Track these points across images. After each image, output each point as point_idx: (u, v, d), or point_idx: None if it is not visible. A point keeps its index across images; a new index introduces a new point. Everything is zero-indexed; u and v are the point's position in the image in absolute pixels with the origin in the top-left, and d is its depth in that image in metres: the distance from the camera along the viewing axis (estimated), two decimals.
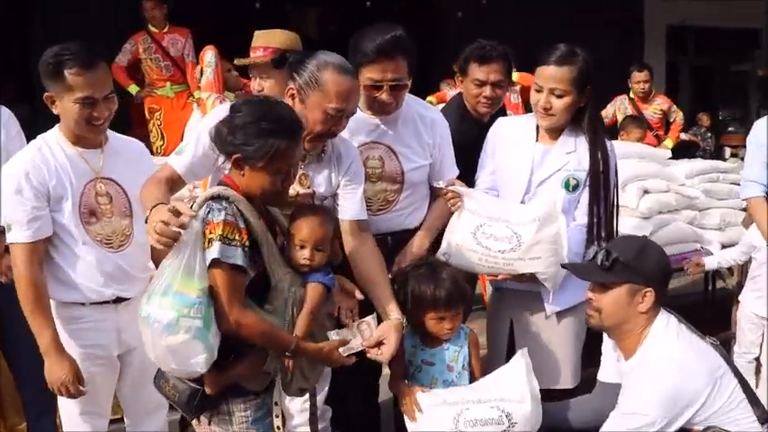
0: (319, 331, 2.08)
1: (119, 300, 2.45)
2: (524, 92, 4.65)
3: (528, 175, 2.61)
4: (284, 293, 2.00)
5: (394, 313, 2.26)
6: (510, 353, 2.56)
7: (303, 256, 2.06)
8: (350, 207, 2.44)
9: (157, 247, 1.99)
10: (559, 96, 2.51)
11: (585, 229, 2.60)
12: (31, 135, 2.85)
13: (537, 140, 2.64)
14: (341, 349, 2.09)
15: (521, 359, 2.32)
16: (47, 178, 2.33)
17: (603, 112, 6.32)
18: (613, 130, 5.92)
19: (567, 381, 2.67)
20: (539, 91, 2.54)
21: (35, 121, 2.62)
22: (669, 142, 6.48)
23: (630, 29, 10.36)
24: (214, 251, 1.87)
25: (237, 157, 1.96)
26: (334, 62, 2.26)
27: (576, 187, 2.59)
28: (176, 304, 1.85)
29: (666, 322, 2.25)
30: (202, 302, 1.87)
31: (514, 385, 2.26)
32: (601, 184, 2.58)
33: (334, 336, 2.09)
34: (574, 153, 2.59)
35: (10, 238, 2.32)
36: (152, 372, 2.51)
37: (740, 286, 3.79)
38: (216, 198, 1.93)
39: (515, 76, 4.77)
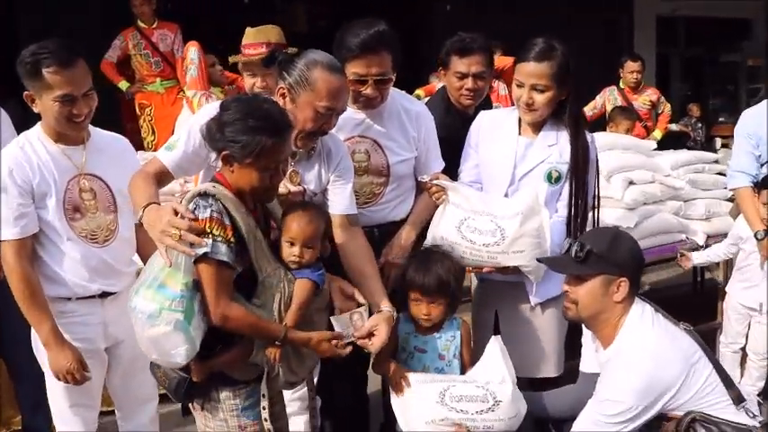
0: (308, 327, 2.10)
1: (105, 294, 2.47)
2: (507, 75, 4.66)
3: (511, 168, 2.63)
4: (272, 289, 2.03)
5: (385, 306, 2.30)
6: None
7: (293, 253, 2.09)
8: (339, 202, 2.47)
9: (163, 247, 1.97)
10: (541, 91, 2.54)
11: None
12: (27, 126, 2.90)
13: (519, 134, 2.67)
14: (339, 339, 2.13)
15: (495, 344, 2.36)
16: (30, 176, 2.34)
17: (592, 103, 6.36)
18: (602, 121, 5.96)
19: (550, 370, 2.71)
20: (520, 86, 2.56)
21: (27, 119, 2.62)
22: (658, 133, 6.52)
23: (620, 20, 10.40)
24: (201, 247, 1.93)
25: (226, 154, 2.00)
26: (323, 61, 2.28)
27: (558, 179, 2.62)
28: (159, 297, 1.94)
29: (641, 311, 2.30)
30: (185, 296, 1.94)
31: (494, 369, 2.30)
32: (581, 176, 2.61)
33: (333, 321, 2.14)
34: (555, 146, 2.62)
35: None
36: (141, 364, 2.55)
37: (726, 277, 3.84)
38: (203, 195, 1.98)
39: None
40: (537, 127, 2.65)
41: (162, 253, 1.95)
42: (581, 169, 2.60)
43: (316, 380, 2.81)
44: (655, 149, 6.17)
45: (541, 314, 2.69)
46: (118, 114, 6.20)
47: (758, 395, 3.52)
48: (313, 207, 2.24)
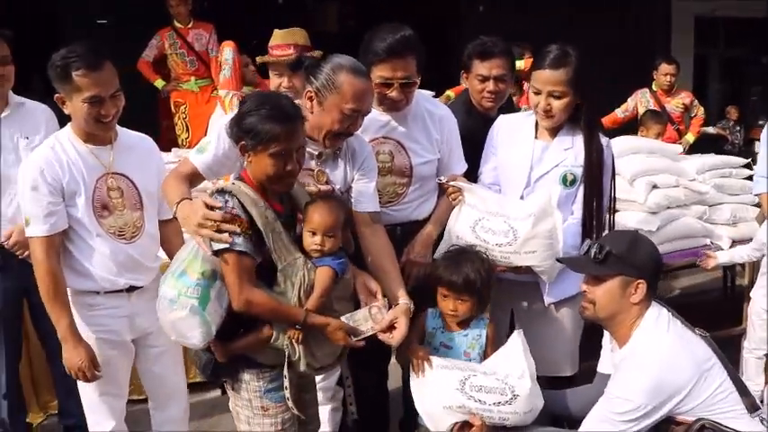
0: (329, 314, 2.19)
1: (131, 288, 2.57)
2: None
3: (527, 171, 2.69)
4: (292, 277, 2.13)
5: (402, 299, 2.37)
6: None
7: (314, 242, 2.19)
8: (364, 200, 2.55)
9: (198, 238, 2.13)
10: (558, 98, 2.59)
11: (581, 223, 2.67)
12: (63, 126, 3.02)
13: (536, 137, 2.72)
14: (353, 333, 2.20)
15: (516, 338, 2.40)
16: (60, 175, 2.44)
17: (624, 106, 6.30)
18: (634, 124, 5.91)
19: (565, 368, 2.76)
20: (537, 93, 2.61)
21: (65, 114, 2.75)
22: (690, 137, 6.44)
23: (657, 20, 10.24)
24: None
25: (242, 144, 2.14)
26: (348, 65, 2.36)
27: (573, 182, 2.66)
28: (179, 284, 2.13)
29: (657, 314, 2.32)
30: (200, 284, 2.12)
31: (514, 363, 2.34)
32: (595, 179, 2.64)
33: (344, 319, 2.19)
34: (571, 149, 2.66)
35: (28, 231, 2.46)
36: (171, 355, 2.72)
37: (752, 283, 3.80)
38: (220, 192, 2.13)
39: (520, 63, 4.84)
40: (553, 131, 2.69)
41: (199, 242, 2.11)
42: (595, 172, 2.63)
43: (339, 370, 2.89)
44: (685, 153, 6.21)
45: (556, 314, 2.73)
46: (155, 112, 6.35)
47: None
48: (334, 199, 2.33)
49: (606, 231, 2.73)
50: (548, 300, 2.71)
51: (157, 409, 2.83)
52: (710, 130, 9.25)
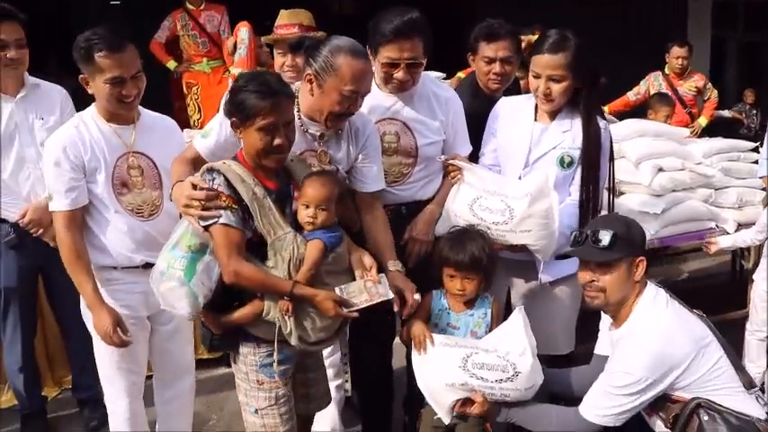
0: (320, 288, 2.21)
1: (148, 265, 2.56)
2: None
3: (526, 152, 2.72)
4: (282, 251, 2.18)
5: (392, 264, 2.47)
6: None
7: (307, 214, 2.24)
8: (367, 180, 2.62)
9: (188, 217, 2.22)
10: (557, 81, 2.61)
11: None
12: (77, 107, 3.07)
13: (536, 119, 2.75)
14: (345, 304, 2.20)
15: (518, 315, 2.44)
16: (82, 152, 2.52)
17: (636, 88, 6.27)
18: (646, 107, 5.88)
19: (561, 346, 2.80)
20: (537, 77, 2.64)
21: (81, 94, 2.81)
22: (703, 120, 6.40)
23: (673, 3, 10.11)
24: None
25: (233, 121, 2.21)
26: (346, 46, 2.39)
27: (570, 164, 2.69)
28: (169, 256, 2.23)
29: (655, 293, 2.36)
30: (185, 257, 2.22)
31: (516, 340, 2.38)
32: (593, 161, 2.67)
33: (338, 291, 2.21)
34: (569, 132, 2.69)
35: (52, 206, 2.55)
36: (182, 333, 2.80)
37: (756, 266, 3.81)
38: (209, 170, 2.21)
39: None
40: (552, 114, 2.72)
41: (190, 220, 2.20)
42: (592, 155, 2.66)
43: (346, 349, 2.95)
44: (698, 136, 6.17)
45: (552, 292, 2.77)
46: (167, 93, 6.40)
47: None
48: (327, 173, 2.35)
49: (604, 213, 2.75)
50: (543, 278, 2.74)
51: (164, 386, 2.88)
52: (726, 113, 9.16)
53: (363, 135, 2.61)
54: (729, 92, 10.73)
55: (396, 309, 2.36)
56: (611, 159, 2.79)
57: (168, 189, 2.54)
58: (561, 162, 2.68)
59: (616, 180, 3.62)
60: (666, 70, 6.34)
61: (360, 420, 3.25)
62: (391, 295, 2.26)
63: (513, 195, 2.56)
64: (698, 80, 6.42)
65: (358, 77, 2.38)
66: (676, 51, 6.23)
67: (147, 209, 2.62)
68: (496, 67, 3.07)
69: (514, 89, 3.28)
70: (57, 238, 2.58)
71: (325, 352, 2.73)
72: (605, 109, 5.71)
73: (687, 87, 6.35)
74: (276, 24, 3.52)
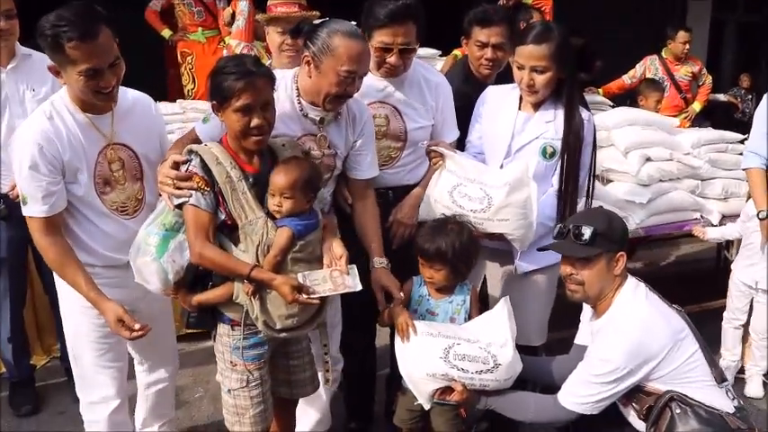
0: (286, 273, 2.21)
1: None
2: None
3: (508, 141, 2.74)
4: (252, 235, 2.20)
5: (378, 260, 2.53)
6: (483, 308, 2.69)
7: (273, 203, 2.25)
8: (361, 167, 2.66)
9: (164, 194, 2.26)
10: (541, 72, 2.62)
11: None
12: None
13: (519, 109, 2.76)
14: (305, 291, 2.18)
15: (503, 306, 2.48)
16: (60, 152, 2.25)
17: (632, 72, 6.25)
18: None
19: (534, 338, 2.84)
20: (521, 68, 2.65)
21: None
22: (697, 105, 6.42)
23: None
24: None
25: (213, 104, 2.24)
26: (343, 29, 2.40)
27: (552, 155, 2.71)
28: (144, 233, 2.29)
29: (635, 286, 2.41)
30: (158, 234, 2.26)
31: (498, 331, 2.42)
32: (573, 152, 2.68)
33: (300, 277, 2.20)
34: (552, 122, 2.71)
35: (26, 211, 2.30)
36: (161, 322, 2.66)
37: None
38: (189, 152, 2.27)
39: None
40: (537, 104, 2.74)
41: (165, 198, 2.25)
42: (573, 145, 2.68)
43: (339, 339, 2.95)
44: (692, 121, 6.18)
45: (528, 282, 2.80)
46: (162, 59, 6.35)
47: (764, 375, 3.63)
48: (294, 160, 2.31)
49: (584, 202, 2.77)
50: (520, 267, 2.77)
51: (147, 371, 2.81)
52: (721, 97, 9.15)
53: (360, 121, 2.63)
54: (726, 76, 10.70)
55: (380, 307, 2.43)
56: (594, 149, 2.80)
57: (149, 179, 2.47)
58: (544, 152, 2.70)
59: (604, 168, 3.68)
60: (664, 54, 6.32)
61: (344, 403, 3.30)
62: (359, 287, 2.24)
63: (492, 184, 2.58)
64: (694, 65, 6.42)
65: (355, 58, 2.38)
66: (682, 36, 6.20)
67: (131, 205, 2.44)
68: (488, 53, 3.08)
69: (507, 76, 3.27)
70: (35, 243, 2.35)
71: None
72: (599, 91, 5.72)
73: (684, 72, 6.36)
74: (272, 3, 3.48)
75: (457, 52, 6.00)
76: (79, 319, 2.49)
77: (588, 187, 2.81)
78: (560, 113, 2.70)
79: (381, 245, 2.60)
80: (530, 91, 2.66)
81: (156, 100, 4.19)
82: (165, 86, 6.29)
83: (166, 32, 5.98)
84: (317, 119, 2.53)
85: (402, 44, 2.64)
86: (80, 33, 2.10)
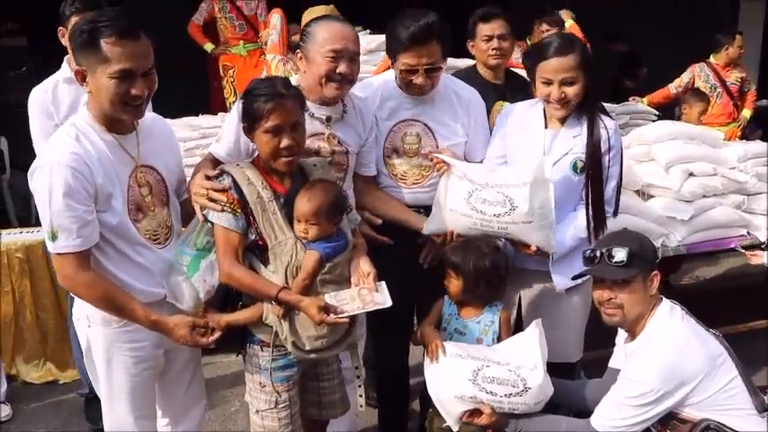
0: (314, 295, 2.21)
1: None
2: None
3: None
4: (281, 256, 2.21)
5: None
6: (517, 329, 2.67)
7: (300, 229, 2.25)
8: (370, 164, 2.77)
9: (196, 206, 2.27)
10: (570, 83, 2.57)
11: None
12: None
13: (546, 126, 2.71)
14: (333, 311, 2.16)
15: (535, 329, 2.44)
16: (93, 175, 2.04)
17: (678, 81, 6.06)
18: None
19: (572, 355, 2.80)
20: (548, 83, 2.58)
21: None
22: (747, 112, 6.22)
23: None
24: (210, 215, 2.25)
25: (244, 126, 2.27)
26: (322, 18, 2.53)
27: (583, 169, 2.65)
28: (178, 252, 2.29)
29: (671, 307, 2.35)
30: (189, 254, 2.26)
31: (529, 354, 2.38)
32: (596, 164, 2.62)
33: (328, 298, 2.20)
34: (579, 137, 2.65)
35: (55, 248, 2.05)
36: (193, 366, 2.52)
37: None
38: (221, 171, 2.28)
39: (568, 23, 4.99)
40: (562, 119, 2.68)
41: (197, 210, 2.26)
42: (595, 158, 2.62)
43: (362, 350, 2.97)
44: (743, 128, 5.98)
45: (563, 301, 2.75)
46: (206, 71, 6.47)
47: None
48: (319, 184, 2.30)
49: (611, 213, 2.72)
50: (558, 287, 2.70)
51: (175, 422, 2.54)
52: None
53: (369, 116, 2.71)
54: None
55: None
56: (621, 158, 2.73)
57: (174, 203, 2.37)
58: (575, 168, 2.65)
59: (645, 183, 3.59)
60: (715, 60, 6.10)
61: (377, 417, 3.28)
62: (389, 303, 2.22)
63: (511, 185, 2.51)
64: (741, 71, 6.22)
65: (335, 36, 2.47)
66: (740, 41, 6.03)
67: (163, 233, 2.25)
68: (495, 43, 3.25)
69: (522, 87, 3.22)
70: (67, 285, 2.12)
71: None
72: (644, 101, 5.59)
73: (734, 78, 6.15)
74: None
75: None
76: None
77: (616, 202, 2.76)
78: (585, 126, 2.65)
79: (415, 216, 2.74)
80: (561, 105, 2.61)
81: (198, 112, 4.33)
82: (207, 99, 6.41)
83: (209, 46, 6.11)
84: (324, 117, 2.57)
85: (426, 65, 2.63)
86: (120, 30, 1.98)
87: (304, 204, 2.23)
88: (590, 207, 2.65)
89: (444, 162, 2.63)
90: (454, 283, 2.53)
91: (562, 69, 2.55)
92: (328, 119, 2.58)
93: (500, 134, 2.81)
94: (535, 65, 2.62)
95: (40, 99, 3.06)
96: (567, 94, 2.57)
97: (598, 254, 2.34)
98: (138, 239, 2.18)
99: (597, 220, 2.64)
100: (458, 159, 2.69)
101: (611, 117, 2.74)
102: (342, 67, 2.48)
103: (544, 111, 2.71)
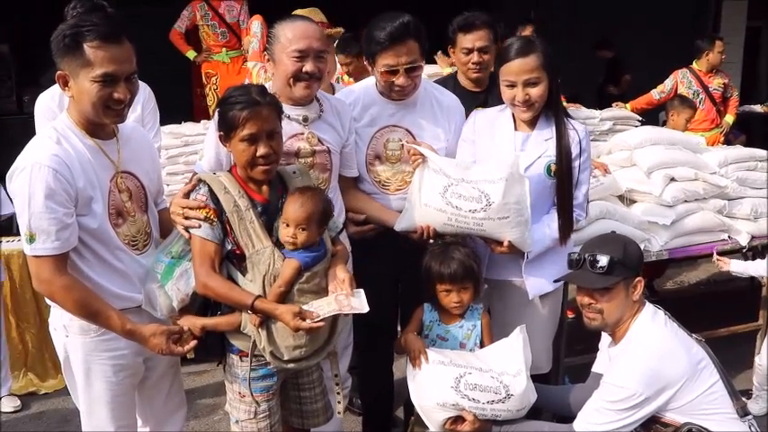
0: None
1: None
2: None
3: None
4: (259, 265, 2.18)
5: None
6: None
7: (287, 234, 2.22)
8: (353, 165, 2.77)
9: (175, 222, 2.25)
10: (534, 84, 2.55)
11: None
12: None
13: (516, 129, 2.68)
14: (309, 317, 2.13)
15: (519, 335, 2.42)
16: (74, 178, 2.03)
17: (661, 87, 6.09)
18: None
19: (541, 366, 2.74)
20: (512, 86, 2.56)
21: None
22: (729, 118, 6.26)
23: None
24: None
25: (220, 135, 2.26)
26: (287, 19, 2.55)
27: (557, 173, 2.63)
28: (154, 261, 2.27)
29: (654, 312, 2.36)
30: (163, 261, 2.24)
31: (512, 360, 2.37)
32: (566, 165, 2.60)
33: (306, 306, 2.17)
34: (551, 140, 2.62)
35: (33, 250, 2.02)
36: (170, 376, 2.49)
37: None
38: (199, 181, 2.27)
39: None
40: (531, 122, 2.67)
41: (177, 225, 2.25)
42: (564, 162, 2.60)
43: (348, 358, 2.97)
44: (726, 134, 6.03)
45: (533, 310, 2.73)
46: (189, 78, 6.43)
47: None
48: (310, 191, 2.29)
49: (583, 217, 2.73)
50: (529, 294, 2.66)
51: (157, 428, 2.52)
52: (757, 108, 8.91)
53: (346, 116, 2.70)
54: (762, 85, 10.45)
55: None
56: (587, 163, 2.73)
57: (153, 211, 2.38)
58: (548, 171, 2.63)
59: (627, 188, 3.60)
60: (698, 66, 6.14)
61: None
62: (366, 309, 2.19)
63: (486, 181, 2.48)
64: (724, 77, 6.27)
65: (298, 35, 2.48)
66: (720, 46, 6.07)
67: (141, 239, 2.26)
68: (474, 57, 3.15)
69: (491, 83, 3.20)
70: (43, 290, 2.09)
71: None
72: (627, 107, 5.61)
73: (716, 84, 6.19)
74: None
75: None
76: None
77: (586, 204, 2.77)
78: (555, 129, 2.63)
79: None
80: (526, 106, 2.58)
81: (181, 120, 4.30)
82: (190, 106, 6.38)
83: (191, 54, 6.09)
84: (300, 118, 2.57)
85: (406, 63, 2.63)
86: (103, 34, 1.99)
87: (296, 209, 2.21)
88: (559, 210, 2.63)
89: (420, 154, 2.58)
90: (467, 293, 2.49)
91: (524, 70, 2.53)
92: (305, 119, 2.58)
93: (469, 140, 2.77)
94: (497, 69, 2.62)
95: (46, 105, 3.11)
96: (531, 95, 2.55)
97: (581, 258, 2.34)
98: (117, 244, 2.18)
99: (565, 224, 2.62)
100: (434, 153, 2.64)
101: (569, 116, 2.71)
102: (308, 66, 2.48)
103: (512, 114, 2.69)
